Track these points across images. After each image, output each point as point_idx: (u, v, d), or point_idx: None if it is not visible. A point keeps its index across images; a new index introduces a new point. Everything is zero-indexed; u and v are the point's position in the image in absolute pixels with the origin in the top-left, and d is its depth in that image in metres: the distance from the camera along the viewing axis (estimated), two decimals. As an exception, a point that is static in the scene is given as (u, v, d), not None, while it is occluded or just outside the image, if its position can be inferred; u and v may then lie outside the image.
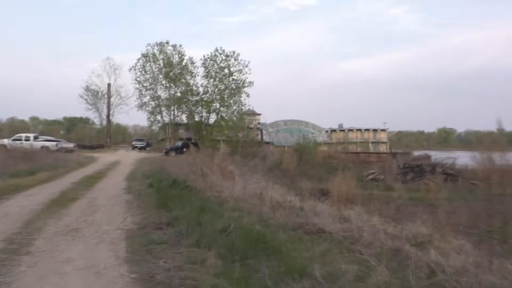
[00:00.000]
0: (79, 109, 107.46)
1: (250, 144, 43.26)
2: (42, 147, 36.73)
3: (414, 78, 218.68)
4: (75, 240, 6.77)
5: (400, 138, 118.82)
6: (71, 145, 43.02)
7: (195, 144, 42.59)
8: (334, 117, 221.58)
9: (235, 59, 53.53)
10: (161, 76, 57.07)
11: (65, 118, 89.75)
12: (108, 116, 63.45)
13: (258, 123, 67.71)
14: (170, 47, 56.98)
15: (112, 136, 66.31)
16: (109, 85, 62.66)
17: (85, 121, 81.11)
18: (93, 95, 63.29)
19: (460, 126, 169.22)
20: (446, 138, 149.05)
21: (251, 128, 56.79)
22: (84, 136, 70.34)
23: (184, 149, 41.68)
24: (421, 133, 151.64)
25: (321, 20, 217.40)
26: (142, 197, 11.66)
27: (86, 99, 62.80)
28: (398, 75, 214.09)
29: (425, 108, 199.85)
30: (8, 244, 6.34)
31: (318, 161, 36.50)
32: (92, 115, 68.06)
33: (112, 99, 63.03)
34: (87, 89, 62.74)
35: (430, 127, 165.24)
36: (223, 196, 10.77)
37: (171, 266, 5.26)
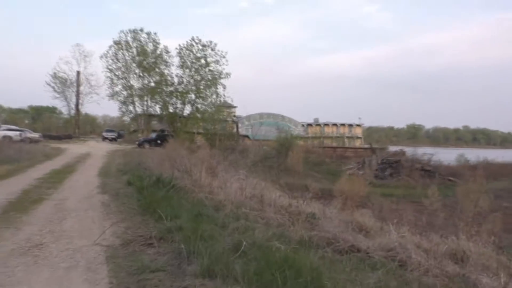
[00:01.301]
0: (45, 98, 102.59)
1: (228, 137, 41.55)
2: (4, 137, 33.75)
3: (385, 75, 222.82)
4: (37, 263, 5.03)
5: (371, 133, 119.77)
6: (36, 135, 40.18)
7: (170, 136, 40.58)
8: (307, 111, 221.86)
9: (212, 49, 51.53)
10: (134, 64, 54.88)
11: (31, 107, 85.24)
12: (77, 105, 60.26)
13: (234, 116, 66.07)
14: (144, 35, 54.85)
15: (80, 126, 63.30)
16: (78, 72, 59.48)
17: (52, 110, 77.15)
18: (61, 83, 59.73)
19: (428, 123, 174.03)
20: (415, 134, 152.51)
21: (226, 120, 55.08)
22: (51, 126, 66.83)
23: (159, 141, 39.80)
24: (391, 128, 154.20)
25: (296, 14, 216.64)
26: (120, 198, 9.91)
27: (53, 87, 59.16)
28: (369, 72, 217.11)
29: (395, 104, 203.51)
30: None
31: (299, 156, 35.24)
32: (59, 104, 64.56)
33: (81, 88, 59.89)
34: (55, 76, 59.16)
35: (399, 123, 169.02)
36: (217, 198, 9.16)
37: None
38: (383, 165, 42.49)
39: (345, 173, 43.34)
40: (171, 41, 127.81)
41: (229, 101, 54.28)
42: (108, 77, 54.62)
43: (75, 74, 59.93)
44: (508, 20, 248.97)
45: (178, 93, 52.63)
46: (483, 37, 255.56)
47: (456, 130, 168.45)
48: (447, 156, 47.47)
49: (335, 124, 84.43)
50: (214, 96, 50.82)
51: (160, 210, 7.42)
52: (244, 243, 5.41)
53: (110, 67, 54.37)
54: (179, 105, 53.13)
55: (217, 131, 43.63)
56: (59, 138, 47.83)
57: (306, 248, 5.75)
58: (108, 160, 22.89)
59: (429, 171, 41.30)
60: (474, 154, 48.28)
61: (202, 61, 51.53)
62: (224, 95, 50.34)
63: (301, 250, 5.53)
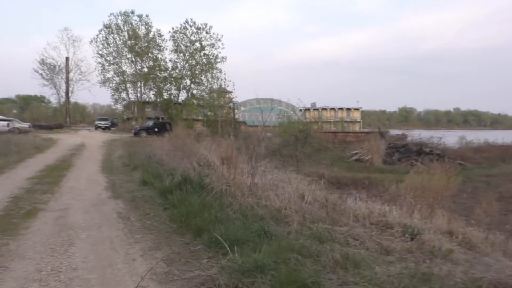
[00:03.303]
0: (34, 87, 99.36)
1: (230, 123, 39.16)
2: (-9, 127, 31.14)
3: (376, 59, 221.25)
4: None
5: (363, 117, 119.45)
6: (25, 125, 37.40)
7: (168, 124, 38.27)
8: (300, 96, 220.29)
9: (207, 32, 48.97)
10: (126, 49, 52.50)
11: (18, 96, 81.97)
12: (67, 93, 57.16)
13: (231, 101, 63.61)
14: (135, 18, 52.26)
15: (71, 115, 60.41)
16: (67, 58, 56.36)
17: (40, 99, 74.12)
18: (49, 70, 56.53)
19: (420, 106, 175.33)
20: (407, 117, 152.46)
21: (224, 106, 52.70)
22: (40, 116, 63.61)
23: (156, 129, 37.54)
24: (383, 112, 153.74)
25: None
26: (139, 204, 7.63)
27: (41, 74, 56.09)
28: (361, 56, 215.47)
29: (387, 88, 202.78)
30: None
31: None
32: (48, 92, 61.76)
33: (71, 75, 56.82)
34: (43, 63, 55.96)
35: (391, 107, 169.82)
36: (272, 205, 6.89)
37: None
38: (390, 150, 40.70)
39: (351, 159, 41.58)
40: (162, 25, 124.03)
41: (230, 86, 51.90)
42: (99, 62, 52.35)
43: (63, 60, 57.02)
44: (496, 1, 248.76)
45: (173, 79, 50.26)
46: (472, 19, 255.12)
47: (447, 113, 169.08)
48: (447, 139, 45.95)
49: (333, 109, 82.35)
50: (214, 81, 48.23)
51: (205, 227, 5.22)
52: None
53: (100, 52, 52.01)
54: (173, 91, 50.94)
55: (218, 117, 41.17)
56: (49, 128, 45.08)
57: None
58: (107, 151, 20.47)
59: (438, 154, 39.61)
60: (473, 136, 47.03)
61: (197, 44, 49.10)
62: (225, 79, 47.71)
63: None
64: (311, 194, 7.68)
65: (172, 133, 20.76)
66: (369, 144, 44.51)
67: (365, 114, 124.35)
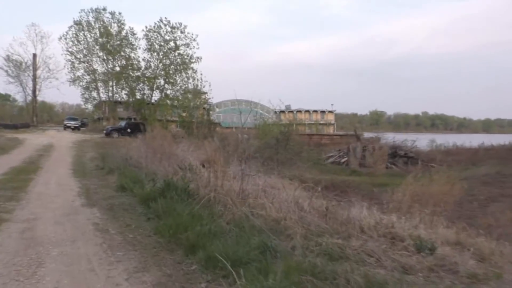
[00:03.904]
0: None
1: (206, 125, 38.27)
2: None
3: (348, 62, 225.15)
4: None
5: (336, 120, 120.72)
6: (-12, 124, 35.67)
7: (142, 125, 37.19)
8: (274, 98, 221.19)
9: (182, 32, 48.07)
10: (97, 47, 50.97)
11: (-19, 95, 78.78)
12: (34, 91, 55.09)
13: (205, 102, 62.58)
14: (107, 15, 50.75)
15: (37, 114, 58.26)
16: (34, 55, 54.38)
17: (5, 97, 71.44)
18: (15, 67, 54.41)
19: (390, 109, 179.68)
20: (377, 120, 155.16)
21: (198, 107, 51.68)
22: (4, 115, 61.05)
23: (129, 130, 36.41)
24: (354, 115, 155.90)
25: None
26: (119, 214, 6.80)
27: (6, 71, 53.94)
28: (333, 59, 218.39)
29: (358, 91, 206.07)
30: None
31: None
32: (14, 90, 59.55)
33: (38, 72, 54.92)
34: (8, 59, 53.82)
35: (362, 110, 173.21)
36: (268, 215, 6.21)
37: None
38: (366, 153, 40.76)
39: (327, 161, 41.47)
40: (134, 25, 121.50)
41: (206, 86, 50.91)
42: (68, 60, 50.53)
43: (31, 57, 55.06)
44: (461, 8, 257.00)
45: (146, 78, 49.03)
46: (439, 26, 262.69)
47: (416, 116, 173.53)
48: (418, 142, 46.73)
49: (307, 111, 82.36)
50: (189, 81, 47.30)
51: (199, 242, 4.52)
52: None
53: (70, 49, 50.29)
54: (146, 91, 49.75)
55: (194, 118, 40.25)
56: (15, 127, 43.17)
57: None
58: (77, 152, 19.34)
59: (412, 157, 39.95)
60: (442, 139, 48.18)
61: (171, 44, 48.21)
62: (201, 79, 46.80)
63: None
64: (307, 201, 7.04)
65: (148, 134, 19.82)
66: (346, 147, 44.44)
67: (338, 117, 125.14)
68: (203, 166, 11.93)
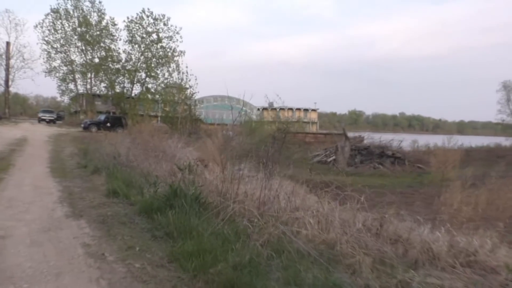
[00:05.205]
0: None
1: (191, 121, 36.73)
2: None
3: (328, 63, 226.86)
4: None
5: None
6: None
7: (123, 119, 35.49)
8: (255, 95, 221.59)
9: (165, 24, 46.28)
10: (75, 37, 48.61)
11: (-52, 85, 74.87)
12: (6, 81, 52.35)
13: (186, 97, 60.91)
14: (87, 3, 48.43)
15: (10, 106, 55.54)
16: (7, 43, 51.73)
17: (-25, 88, 67.94)
18: (-14, 55, 51.82)
19: (368, 109, 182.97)
20: (356, 120, 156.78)
21: (183, 102, 50.03)
22: (-26, 106, 58.19)
23: (109, 124, 34.73)
24: (334, 114, 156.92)
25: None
26: (115, 229, 5.28)
27: (-23, 59, 51.27)
28: (313, 59, 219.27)
29: (338, 90, 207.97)
30: None
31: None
32: (-16, 80, 56.44)
33: (12, 61, 52.19)
34: (-21, 46, 51.18)
35: (341, 109, 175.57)
36: (312, 236, 4.82)
37: None
38: (353, 152, 39.98)
39: (313, 160, 40.52)
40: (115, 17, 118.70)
41: (192, 80, 49.21)
42: (44, 50, 47.91)
43: (3, 45, 52.47)
44: (440, 13, 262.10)
45: (126, 71, 47.09)
46: (418, 29, 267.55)
47: (394, 117, 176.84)
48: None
49: (290, 109, 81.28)
50: (172, 75, 45.57)
51: (240, 282, 3.13)
52: None
53: (46, 38, 47.74)
54: (127, 85, 47.79)
55: (179, 114, 38.61)
56: (-15, 119, 40.76)
57: None
58: (54, 147, 17.53)
59: (399, 158, 39.37)
60: (422, 140, 48.57)
61: (154, 36, 46.41)
62: (187, 73, 45.07)
63: None
64: (349, 214, 5.66)
65: (131, 129, 18.27)
66: (334, 146, 43.45)
67: (318, 116, 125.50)
68: (205, 166, 10.52)
